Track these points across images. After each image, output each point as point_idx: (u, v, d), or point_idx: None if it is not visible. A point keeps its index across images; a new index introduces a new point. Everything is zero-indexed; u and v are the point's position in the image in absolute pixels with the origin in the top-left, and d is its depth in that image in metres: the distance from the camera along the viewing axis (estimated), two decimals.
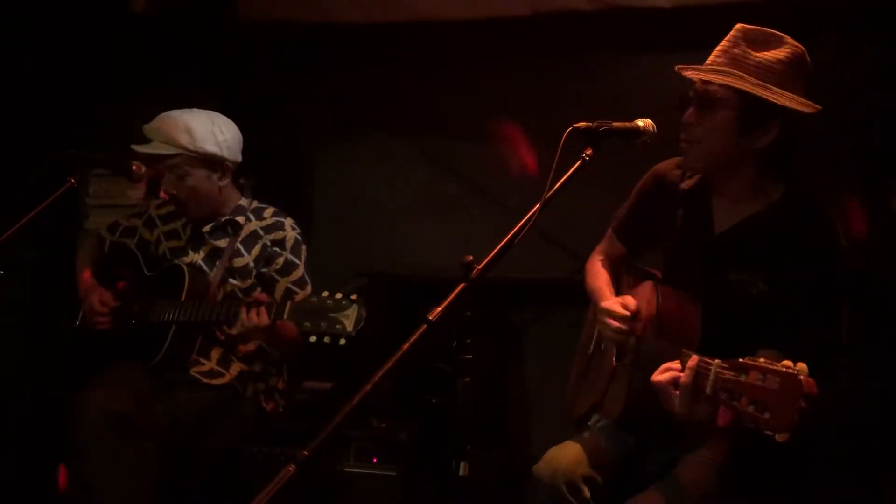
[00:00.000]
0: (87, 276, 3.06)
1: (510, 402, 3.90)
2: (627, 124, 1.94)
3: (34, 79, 3.87)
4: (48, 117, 3.84)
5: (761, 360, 1.63)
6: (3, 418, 3.57)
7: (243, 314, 2.59)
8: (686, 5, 3.40)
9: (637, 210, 2.37)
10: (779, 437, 1.56)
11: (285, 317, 2.50)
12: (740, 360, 1.67)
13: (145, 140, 2.90)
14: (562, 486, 2.10)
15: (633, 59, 3.68)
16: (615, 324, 2.15)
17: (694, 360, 1.80)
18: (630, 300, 2.18)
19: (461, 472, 2.77)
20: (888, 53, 3.28)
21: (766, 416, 1.57)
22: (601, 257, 2.49)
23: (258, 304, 2.59)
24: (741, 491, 2.00)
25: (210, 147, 2.88)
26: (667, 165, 2.30)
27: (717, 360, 1.73)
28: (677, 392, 1.82)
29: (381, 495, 3.03)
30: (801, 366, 1.57)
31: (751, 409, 1.60)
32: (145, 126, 2.91)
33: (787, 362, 1.59)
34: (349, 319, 2.37)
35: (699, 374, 1.77)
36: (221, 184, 2.95)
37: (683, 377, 1.80)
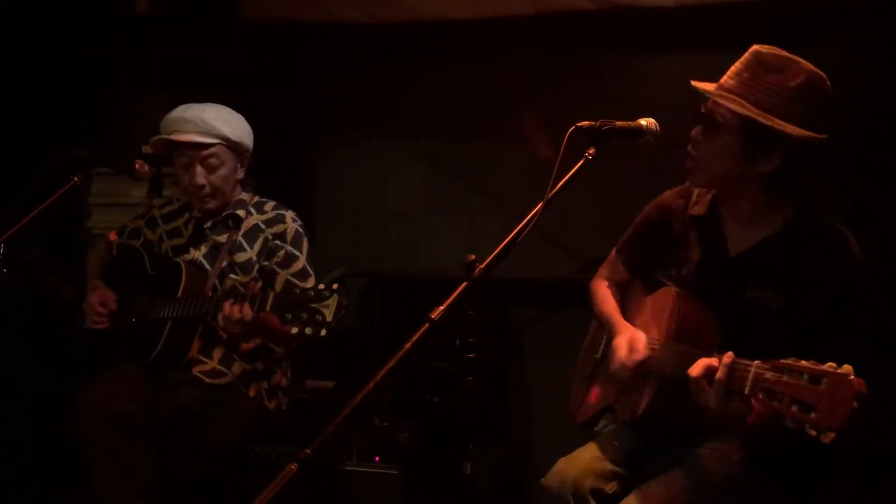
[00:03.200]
0: (94, 279, 3.07)
1: (512, 401, 3.91)
2: (630, 123, 1.94)
3: (37, 79, 3.88)
4: (51, 117, 3.84)
5: (803, 362, 1.64)
6: (4, 417, 3.57)
7: (226, 308, 2.59)
8: (689, 4, 3.40)
9: (642, 241, 2.38)
10: (825, 438, 1.57)
11: (268, 309, 2.51)
12: (782, 361, 1.67)
13: (152, 133, 2.92)
14: (569, 497, 2.12)
15: (636, 57, 3.68)
16: (619, 366, 2.17)
17: (730, 356, 1.80)
18: (641, 347, 2.16)
19: (463, 471, 2.78)
20: (890, 53, 3.28)
21: (813, 416, 1.58)
22: (606, 282, 2.49)
23: (242, 297, 2.60)
24: (764, 480, 2.01)
25: (245, 139, 2.96)
26: (670, 195, 2.32)
27: (756, 361, 1.73)
28: (710, 387, 1.82)
29: (383, 494, 3.03)
30: (847, 367, 1.58)
31: (794, 408, 1.61)
32: (171, 117, 2.91)
33: (831, 364, 1.59)
34: (329, 310, 2.37)
35: (734, 372, 1.78)
36: (240, 177, 3.01)
37: (719, 373, 1.80)
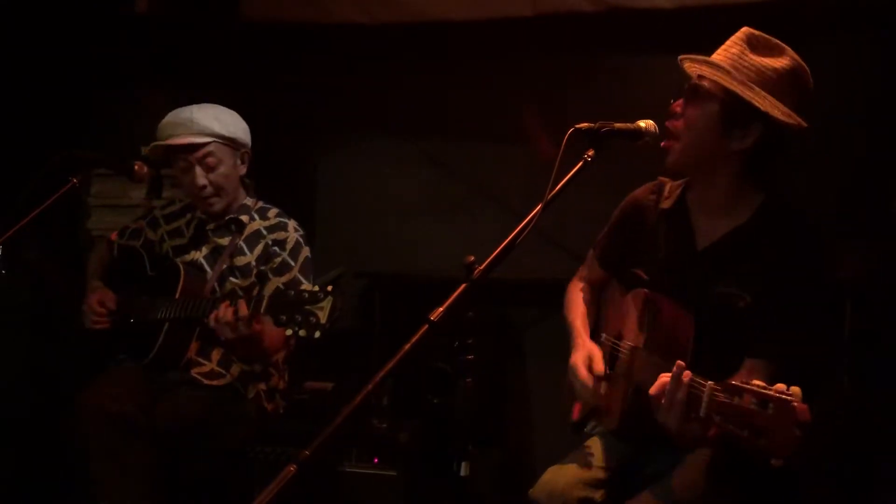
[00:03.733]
0: (94, 280, 3.07)
1: (511, 402, 3.91)
2: (629, 125, 1.95)
3: (37, 79, 3.87)
4: (51, 117, 3.84)
5: (755, 382, 1.59)
6: (5, 418, 3.57)
7: (221, 309, 2.59)
8: (687, 6, 3.40)
9: (616, 236, 2.39)
10: (774, 462, 1.54)
11: (262, 310, 2.51)
12: (733, 382, 1.63)
13: (153, 139, 2.92)
14: None
15: (635, 59, 3.68)
16: (580, 387, 2.20)
17: (687, 375, 1.76)
18: (598, 361, 2.20)
19: (462, 473, 2.77)
20: (889, 54, 3.28)
21: (762, 441, 1.54)
22: (581, 284, 2.50)
23: (237, 298, 2.60)
24: (730, 493, 2.00)
25: (239, 134, 2.95)
26: (642, 191, 2.33)
27: (710, 382, 1.69)
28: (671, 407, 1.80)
29: (382, 495, 3.03)
30: (795, 390, 1.54)
31: (745, 433, 1.57)
32: (164, 123, 2.92)
33: (780, 386, 1.55)
34: (323, 312, 2.37)
35: (692, 393, 1.75)
36: (241, 173, 3.00)
37: (679, 393, 1.77)
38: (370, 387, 1.55)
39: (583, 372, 2.20)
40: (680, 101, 2.09)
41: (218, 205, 2.95)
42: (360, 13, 3.81)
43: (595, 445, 2.26)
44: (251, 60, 3.97)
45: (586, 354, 2.23)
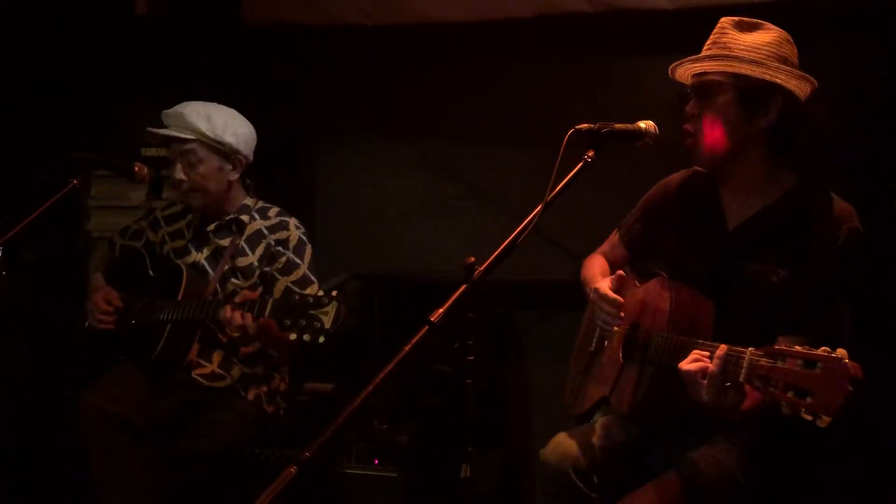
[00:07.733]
0: (96, 279, 3.07)
1: (511, 403, 3.90)
2: (629, 126, 1.96)
3: (36, 79, 3.88)
4: (50, 117, 3.84)
5: (797, 347, 1.64)
6: (3, 419, 3.57)
7: (227, 311, 2.59)
8: (688, 7, 3.40)
9: (644, 220, 2.41)
10: (820, 423, 1.57)
11: (266, 314, 2.50)
12: (775, 346, 1.67)
13: (158, 127, 2.93)
14: (570, 471, 2.11)
15: (635, 60, 3.68)
16: (606, 307, 2.16)
17: (723, 349, 1.80)
18: (617, 278, 2.19)
19: (462, 474, 2.77)
20: (890, 54, 3.28)
21: (808, 401, 1.57)
22: (600, 257, 2.51)
23: (242, 302, 2.60)
24: (758, 484, 2.01)
25: (228, 137, 2.91)
26: (675, 176, 2.35)
27: (750, 348, 1.73)
28: (705, 381, 1.82)
29: (383, 497, 3.03)
30: (842, 351, 1.58)
31: (790, 394, 1.60)
32: (164, 112, 2.93)
33: (825, 348, 1.59)
34: (328, 317, 2.37)
35: (729, 362, 1.77)
36: (231, 178, 2.97)
37: (712, 366, 1.80)
38: (370, 388, 1.55)
39: (605, 289, 2.17)
40: (693, 103, 2.11)
41: (196, 201, 2.94)
42: (360, 14, 3.81)
43: (604, 421, 2.27)
44: (251, 61, 3.97)
45: (607, 282, 2.21)
